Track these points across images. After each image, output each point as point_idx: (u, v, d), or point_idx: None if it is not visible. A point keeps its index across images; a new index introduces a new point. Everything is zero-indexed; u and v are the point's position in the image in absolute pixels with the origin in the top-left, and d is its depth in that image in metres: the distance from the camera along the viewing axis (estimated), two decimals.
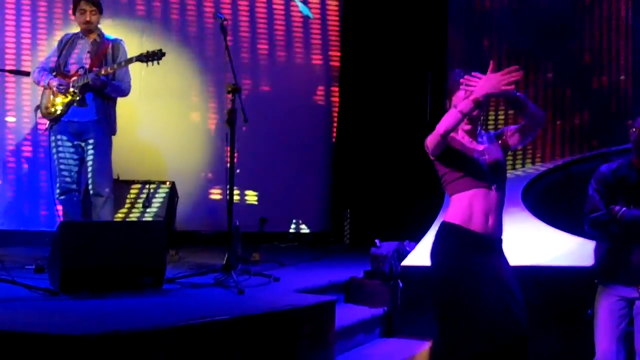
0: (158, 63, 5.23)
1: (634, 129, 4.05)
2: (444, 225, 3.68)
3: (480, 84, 3.45)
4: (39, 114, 5.50)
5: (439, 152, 3.61)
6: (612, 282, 4.07)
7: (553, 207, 6.51)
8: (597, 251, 4.18)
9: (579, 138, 7.52)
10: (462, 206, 3.62)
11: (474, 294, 3.51)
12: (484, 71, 3.49)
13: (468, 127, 3.68)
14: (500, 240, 3.71)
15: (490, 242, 3.61)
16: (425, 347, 5.03)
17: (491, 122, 7.38)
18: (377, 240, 5.53)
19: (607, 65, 7.78)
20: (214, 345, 3.59)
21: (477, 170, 3.63)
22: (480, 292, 3.51)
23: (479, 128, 3.75)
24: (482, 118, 3.77)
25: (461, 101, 3.51)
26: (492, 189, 3.62)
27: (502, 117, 7.42)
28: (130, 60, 5.28)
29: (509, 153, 3.90)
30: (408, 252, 5.56)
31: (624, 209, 3.97)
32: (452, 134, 3.62)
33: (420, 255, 5.56)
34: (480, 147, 3.70)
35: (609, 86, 7.68)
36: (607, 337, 4.03)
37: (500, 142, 3.77)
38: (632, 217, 3.94)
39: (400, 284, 5.28)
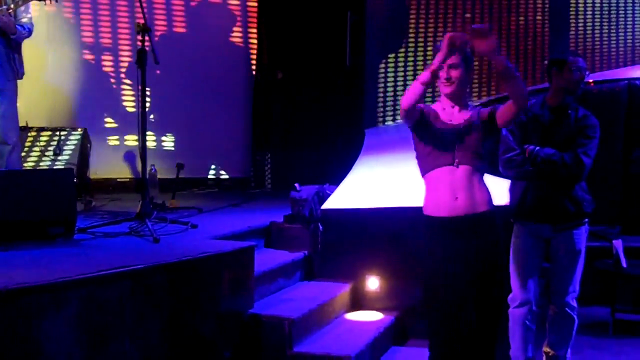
0: (57, 1, 5.10)
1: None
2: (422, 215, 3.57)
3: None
4: None
5: (411, 124, 3.48)
6: (527, 220, 4.13)
7: None
8: (512, 190, 4.22)
9: (496, 78, 7.58)
10: (428, 190, 3.51)
11: (439, 280, 3.43)
12: None
13: (448, 89, 3.46)
14: (479, 217, 3.44)
15: (461, 223, 3.41)
16: (345, 289, 5.07)
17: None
18: (296, 184, 5.47)
19: (524, 5, 7.85)
20: (129, 295, 3.49)
21: (442, 146, 3.44)
22: (444, 279, 3.41)
23: (467, 99, 3.54)
24: (463, 80, 3.44)
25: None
26: (457, 165, 3.42)
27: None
28: None
29: None
30: (328, 195, 5.54)
31: (537, 147, 4.00)
32: (432, 106, 3.52)
33: (340, 198, 5.55)
34: (456, 121, 3.48)
35: (526, 26, 7.77)
36: (523, 274, 4.10)
37: (487, 118, 3.44)
38: (545, 156, 3.98)
39: (321, 227, 5.27)
